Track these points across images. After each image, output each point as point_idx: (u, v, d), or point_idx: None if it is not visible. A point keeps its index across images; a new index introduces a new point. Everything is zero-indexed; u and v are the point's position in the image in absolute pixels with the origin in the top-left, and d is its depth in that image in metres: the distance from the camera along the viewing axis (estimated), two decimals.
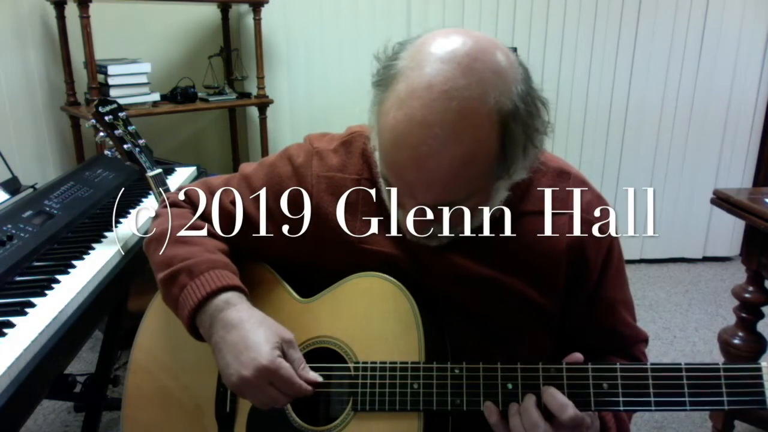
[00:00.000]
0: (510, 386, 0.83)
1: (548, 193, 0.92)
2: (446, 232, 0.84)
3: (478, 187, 0.78)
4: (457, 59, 0.72)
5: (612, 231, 0.94)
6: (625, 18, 2.98)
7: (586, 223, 0.91)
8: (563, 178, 0.93)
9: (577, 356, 0.84)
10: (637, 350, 1.00)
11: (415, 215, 0.80)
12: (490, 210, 0.85)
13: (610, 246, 0.93)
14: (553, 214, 0.91)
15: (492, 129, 0.73)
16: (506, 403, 0.83)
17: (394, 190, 0.82)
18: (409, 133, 0.72)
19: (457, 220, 0.83)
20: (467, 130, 0.72)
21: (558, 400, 0.79)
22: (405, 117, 0.72)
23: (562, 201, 0.91)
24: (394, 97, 0.74)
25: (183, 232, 0.96)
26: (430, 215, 0.80)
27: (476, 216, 0.84)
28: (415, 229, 0.83)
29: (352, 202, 0.94)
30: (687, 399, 0.78)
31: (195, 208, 1.02)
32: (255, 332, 0.85)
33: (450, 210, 0.80)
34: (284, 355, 0.86)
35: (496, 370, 0.84)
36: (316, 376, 0.88)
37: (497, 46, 0.76)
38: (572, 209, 0.91)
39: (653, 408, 0.79)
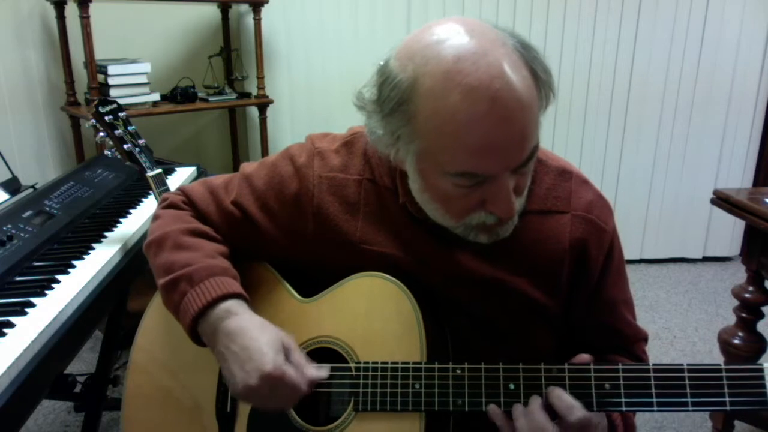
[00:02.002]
0: (512, 386, 0.83)
1: (550, 192, 0.92)
2: (518, 208, 0.84)
3: (538, 122, 0.78)
4: (452, 34, 0.74)
5: (613, 230, 0.94)
6: (624, 18, 2.98)
7: (588, 222, 0.91)
8: (565, 177, 0.93)
9: (585, 357, 0.83)
10: (637, 349, 1.00)
11: (508, 192, 0.78)
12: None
13: (611, 245, 0.94)
14: (555, 213, 0.91)
15: (521, 63, 0.75)
16: (509, 403, 0.83)
17: (461, 195, 0.80)
18: (474, 102, 0.71)
19: (525, 184, 0.84)
20: (513, 71, 0.73)
21: (565, 401, 0.79)
22: (461, 94, 0.71)
23: (564, 200, 0.92)
24: (431, 94, 0.73)
25: (183, 236, 0.96)
26: (513, 189, 0.79)
27: (528, 181, 0.85)
28: (511, 210, 0.80)
29: (354, 202, 0.94)
30: (689, 399, 0.79)
31: (195, 208, 1.01)
32: (257, 340, 0.84)
33: (527, 168, 0.80)
34: (287, 360, 0.85)
35: (498, 371, 0.84)
36: (321, 373, 0.87)
37: (457, 17, 0.79)
38: (574, 208, 0.91)
39: (655, 408, 0.79)
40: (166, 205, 1.03)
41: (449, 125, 0.73)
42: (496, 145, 0.74)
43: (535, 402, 0.81)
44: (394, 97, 0.76)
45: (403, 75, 0.75)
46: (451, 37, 0.74)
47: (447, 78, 0.72)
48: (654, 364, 0.81)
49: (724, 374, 0.78)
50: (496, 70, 0.72)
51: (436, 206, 0.84)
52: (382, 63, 0.79)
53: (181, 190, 1.05)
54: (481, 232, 0.84)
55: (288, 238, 0.96)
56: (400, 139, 0.79)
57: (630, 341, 1.00)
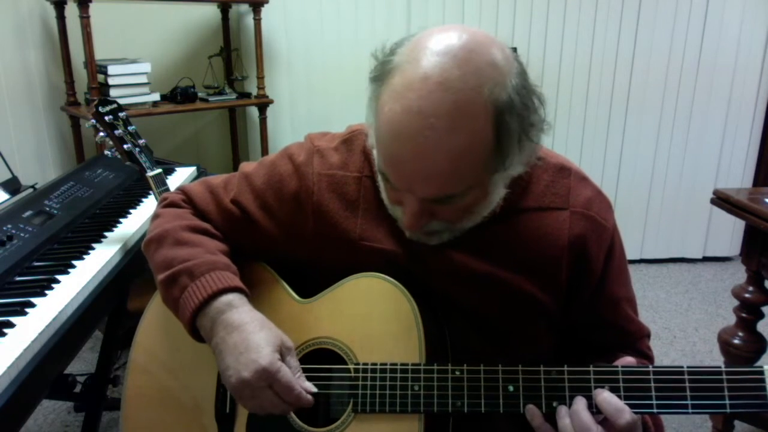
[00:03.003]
0: (511, 388, 0.83)
1: (548, 189, 0.92)
2: (444, 228, 0.84)
3: (475, 181, 0.78)
4: (453, 52, 0.73)
5: (613, 227, 0.94)
6: (624, 18, 2.98)
7: (587, 219, 0.91)
8: (564, 174, 0.93)
9: (629, 359, 0.84)
10: (642, 345, 1.00)
11: (412, 211, 0.80)
12: (489, 207, 0.85)
13: (612, 242, 0.94)
14: (553, 210, 0.91)
15: (487, 120, 0.73)
16: (508, 405, 0.83)
17: (387, 187, 0.82)
18: (407, 124, 0.73)
19: (455, 216, 0.83)
20: (463, 121, 0.72)
21: (614, 404, 0.78)
22: (402, 109, 0.73)
23: (563, 197, 0.91)
24: (391, 91, 0.75)
25: (183, 233, 0.96)
26: (427, 211, 0.81)
27: (475, 213, 0.84)
28: (413, 226, 0.83)
29: (353, 199, 0.94)
30: (689, 402, 0.78)
31: (194, 207, 1.01)
32: (256, 334, 0.85)
33: (448, 205, 0.80)
34: (283, 361, 0.85)
35: (497, 372, 0.84)
36: (310, 387, 0.87)
37: (493, 41, 0.77)
38: (573, 205, 0.91)
39: (655, 411, 0.79)
40: (166, 203, 1.04)
41: (383, 127, 0.76)
42: (402, 169, 0.77)
43: (581, 402, 0.80)
44: (380, 70, 0.78)
45: (394, 58, 0.77)
46: (444, 54, 0.73)
47: (405, 87, 0.74)
48: (654, 367, 0.81)
49: (724, 377, 0.78)
50: (432, 108, 0.72)
51: (379, 183, 0.88)
52: (410, 35, 0.80)
53: (180, 189, 1.05)
54: (402, 225, 0.87)
55: (287, 236, 0.96)
56: (369, 106, 0.81)
57: (634, 338, 1.00)
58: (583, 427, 0.78)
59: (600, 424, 0.78)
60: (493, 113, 0.73)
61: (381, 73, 0.78)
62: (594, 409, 0.80)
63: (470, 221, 0.85)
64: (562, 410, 0.81)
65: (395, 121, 0.74)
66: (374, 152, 0.85)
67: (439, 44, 0.74)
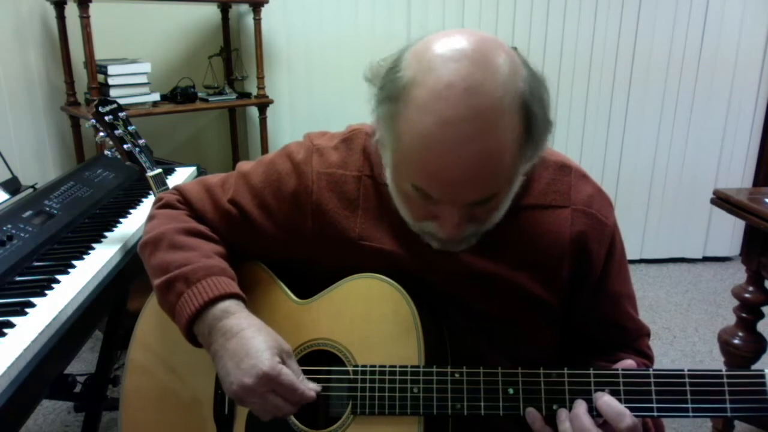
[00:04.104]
0: (511, 391, 0.83)
1: (549, 186, 0.91)
2: (474, 233, 0.83)
3: (514, 173, 0.78)
4: (467, 56, 0.73)
5: (613, 224, 0.94)
6: (625, 17, 2.98)
7: (588, 216, 0.91)
8: (564, 171, 0.93)
9: (629, 362, 0.83)
10: (641, 344, 1.00)
11: (454, 221, 0.79)
12: (509, 201, 0.84)
13: (613, 239, 0.94)
14: (555, 207, 0.91)
15: (516, 112, 0.74)
16: (507, 408, 0.83)
17: (414, 204, 0.81)
18: (441, 134, 0.72)
19: (487, 216, 0.82)
20: (497, 120, 0.72)
21: (615, 408, 0.78)
22: (435, 121, 0.72)
23: (564, 194, 0.91)
24: (415, 105, 0.73)
25: (178, 236, 0.95)
26: (466, 216, 0.79)
27: (500, 209, 0.83)
28: (456, 235, 0.81)
29: (353, 198, 0.94)
30: (690, 405, 0.78)
31: (191, 207, 1.01)
32: (255, 339, 0.84)
33: (486, 205, 0.79)
34: (283, 364, 0.85)
35: (497, 375, 0.84)
36: (315, 387, 0.87)
37: (494, 39, 0.77)
38: (574, 203, 0.91)
39: (655, 414, 0.79)
40: (162, 204, 1.03)
41: (414, 142, 0.74)
42: (445, 180, 0.75)
43: (581, 406, 0.80)
44: (391, 88, 0.76)
45: (406, 73, 0.75)
46: (460, 59, 0.73)
47: (432, 99, 0.72)
48: (654, 370, 0.81)
49: (725, 380, 0.78)
50: (464, 115, 0.71)
51: (398, 202, 0.85)
52: (404, 47, 0.79)
53: (176, 189, 1.04)
54: (432, 238, 0.85)
55: (286, 235, 0.96)
56: (382, 128, 0.80)
57: (633, 336, 1.00)
58: (583, 431, 0.78)
59: (600, 428, 0.78)
60: (519, 106, 0.74)
61: (393, 92, 0.76)
62: (594, 412, 0.80)
63: (496, 218, 0.84)
64: (563, 413, 0.81)
65: (428, 133, 0.72)
66: (388, 171, 0.83)
67: (449, 50, 0.74)
